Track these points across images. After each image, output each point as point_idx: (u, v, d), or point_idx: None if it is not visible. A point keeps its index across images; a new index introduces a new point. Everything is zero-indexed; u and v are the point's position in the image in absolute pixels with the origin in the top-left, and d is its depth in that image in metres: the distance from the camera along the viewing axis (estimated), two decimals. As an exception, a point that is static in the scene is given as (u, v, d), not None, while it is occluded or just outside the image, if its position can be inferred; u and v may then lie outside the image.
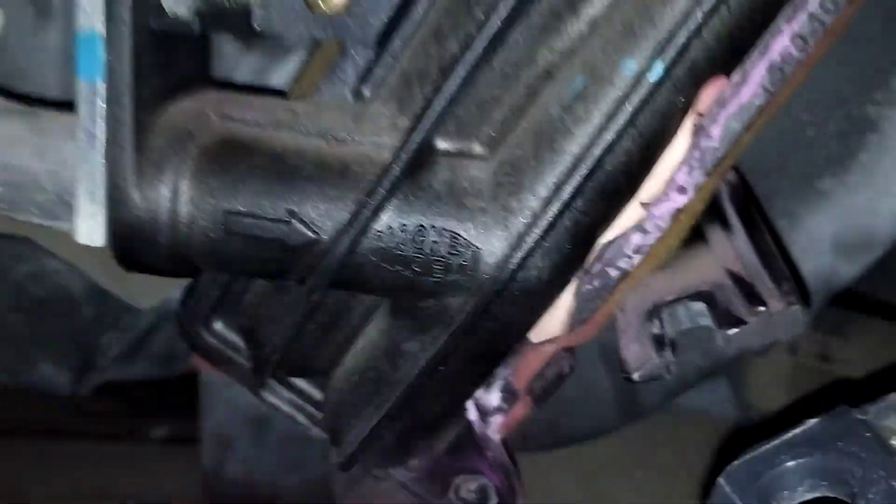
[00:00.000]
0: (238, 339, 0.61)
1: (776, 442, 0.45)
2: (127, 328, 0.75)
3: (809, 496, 0.45)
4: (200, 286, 0.61)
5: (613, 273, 0.53)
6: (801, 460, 0.44)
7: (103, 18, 0.48)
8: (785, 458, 0.45)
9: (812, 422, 0.45)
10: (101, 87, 0.49)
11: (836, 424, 0.44)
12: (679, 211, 0.52)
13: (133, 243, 0.50)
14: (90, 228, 0.50)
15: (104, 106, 0.49)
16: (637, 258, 0.53)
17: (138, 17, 0.48)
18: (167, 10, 0.50)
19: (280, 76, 0.63)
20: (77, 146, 0.50)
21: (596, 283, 0.53)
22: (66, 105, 0.56)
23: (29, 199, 0.52)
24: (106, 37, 0.48)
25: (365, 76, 0.53)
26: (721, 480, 0.45)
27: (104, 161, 0.49)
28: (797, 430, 0.45)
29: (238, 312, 0.60)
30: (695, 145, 0.51)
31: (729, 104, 0.51)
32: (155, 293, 0.71)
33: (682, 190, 0.52)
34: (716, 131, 0.51)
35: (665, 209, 0.52)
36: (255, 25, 0.51)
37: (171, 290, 0.70)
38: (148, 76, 0.49)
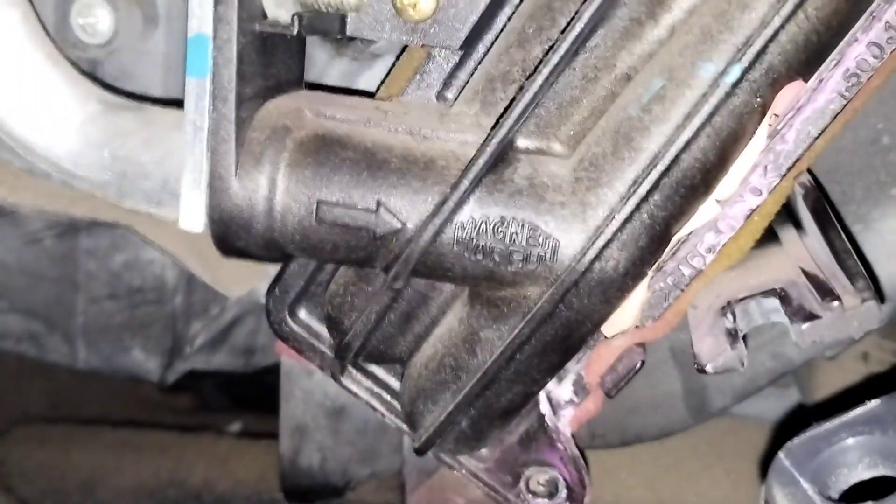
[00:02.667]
0: (321, 328, 0.64)
1: (837, 420, 0.46)
2: (213, 318, 0.78)
3: (867, 475, 0.46)
4: (287, 276, 0.63)
5: (686, 271, 0.54)
6: (860, 438, 0.45)
7: (212, 22, 0.52)
8: (845, 435, 0.45)
9: (874, 402, 0.45)
10: (208, 84, 0.52)
11: (896, 405, 0.44)
12: (752, 211, 0.53)
13: (230, 229, 0.53)
14: (191, 214, 0.54)
15: (210, 101, 0.52)
16: (710, 257, 0.54)
17: (243, 21, 0.51)
18: (269, 14, 0.53)
19: (368, 80, 0.66)
20: (183, 138, 0.53)
21: (669, 280, 0.54)
22: (169, 103, 0.60)
23: (136, 187, 0.56)
24: (213, 39, 0.52)
25: (449, 79, 0.56)
26: (781, 455, 0.46)
27: (207, 152, 0.53)
28: (858, 410, 0.45)
29: (322, 302, 0.63)
30: (770, 148, 0.52)
31: (804, 109, 0.52)
32: (243, 284, 0.74)
33: (756, 191, 0.53)
34: (790, 135, 0.52)
35: (739, 209, 0.53)
36: (348, 31, 0.54)
37: (258, 280, 0.73)
38: (250, 75, 0.52)
